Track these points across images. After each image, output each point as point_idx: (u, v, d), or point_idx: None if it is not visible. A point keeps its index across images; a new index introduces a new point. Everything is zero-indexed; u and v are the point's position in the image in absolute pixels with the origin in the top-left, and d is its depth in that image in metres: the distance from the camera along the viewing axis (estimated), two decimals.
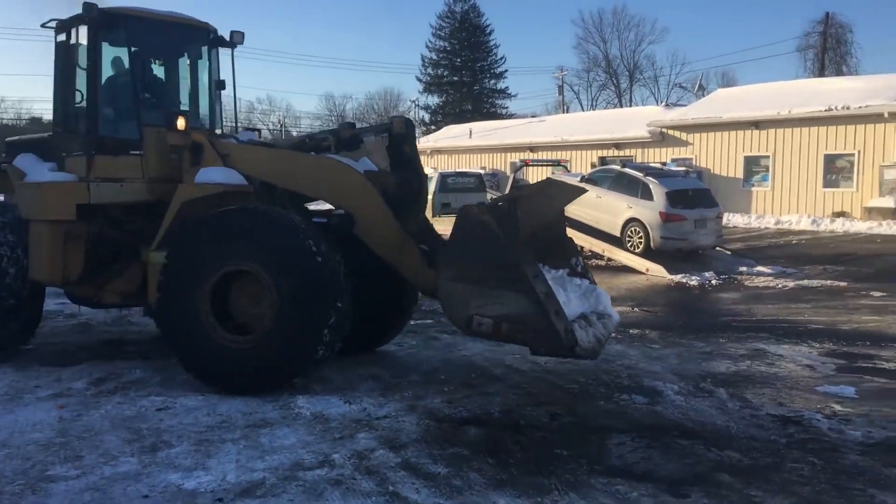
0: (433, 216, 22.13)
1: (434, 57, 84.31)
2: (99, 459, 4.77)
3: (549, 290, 5.46)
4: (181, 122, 6.86)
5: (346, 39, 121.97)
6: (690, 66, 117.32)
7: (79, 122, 7.47)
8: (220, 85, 8.35)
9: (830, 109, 24.85)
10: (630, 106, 68.76)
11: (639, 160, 28.19)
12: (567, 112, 67.02)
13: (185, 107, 8.02)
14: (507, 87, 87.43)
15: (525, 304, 5.40)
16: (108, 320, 9.67)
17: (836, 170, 25.21)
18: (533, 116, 63.94)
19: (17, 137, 8.61)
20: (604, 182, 16.22)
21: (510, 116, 79.06)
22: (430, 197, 23.10)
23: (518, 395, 6.35)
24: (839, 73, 43.16)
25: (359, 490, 4.33)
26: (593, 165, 27.46)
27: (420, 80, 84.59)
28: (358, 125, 8.06)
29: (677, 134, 29.60)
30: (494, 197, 6.03)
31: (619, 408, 6.02)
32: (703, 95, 35.45)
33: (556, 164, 24.86)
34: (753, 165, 27.19)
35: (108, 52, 7.58)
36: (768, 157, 26.78)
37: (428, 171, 39.46)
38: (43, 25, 7.60)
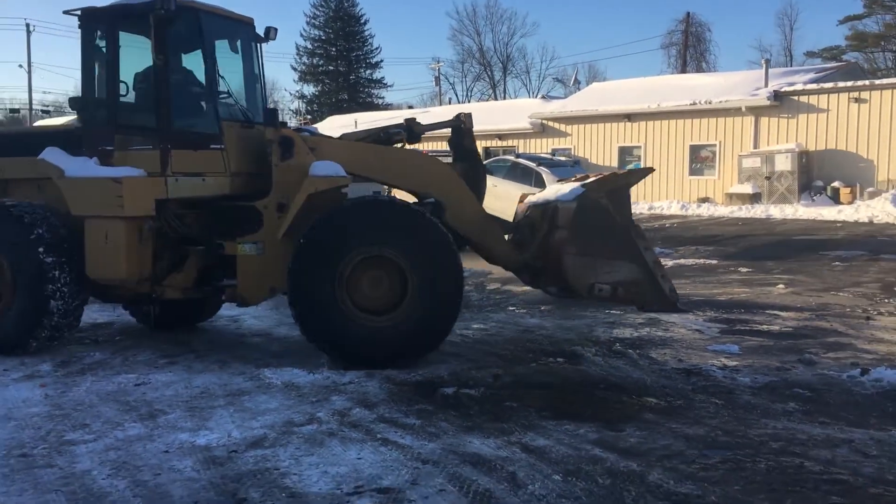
0: None
1: (309, 46, 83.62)
2: (105, 426, 5.24)
3: (656, 258, 7.03)
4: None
5: None
6: (560, 61, 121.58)
7: (132, 115, 7.45)
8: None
9: (695, 103, 26.97)
10: (504, 97, 70.78)
11: (521, 150, 29.56)
12: (441, 103, 68.18)
13: (243, 101, 8.01)
14: (383, 78, 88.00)
15: (637, 271, 6.85)
16: None
17: (700, 159, 27.40)
18: (410, 107, 64.84)
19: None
20: (499, 172, 17.27)
21: (387, 107, 79.63)
22: None
23: (459, 361, 7.14)
24: (699, 69, 46.42)
25: (352, 439, 5.02)
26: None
27: (295, 69, 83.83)
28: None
29: (557, 125, 31.22)
30: (588, 181, 7.09)
31: (549, 368, 6.93)
32: (579, 89, 37.29)
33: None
34: (627, 155, 29.10)
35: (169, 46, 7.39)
36: (640, 147, 28.76)
37: None
38: (67, 12, 7.41)
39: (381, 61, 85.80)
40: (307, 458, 4.66)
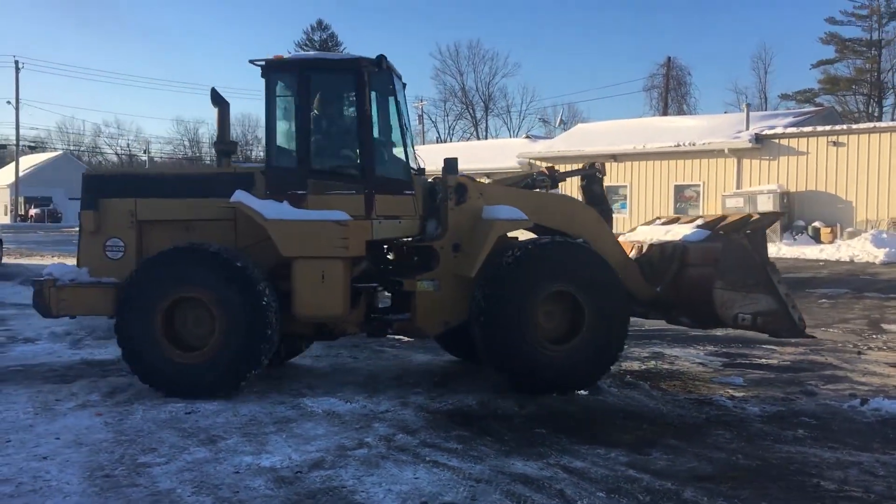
0: None
1: None
2: (172, 450, 5.61)
3: (787, 290, 7.73)
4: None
5: (198, 64, 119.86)
6: (540, 101, 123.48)
7: (328, 161, 7.83)
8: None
9: (679, 145, 27.84)
10: (486, 136, 71.83)
11: None
12: (424, 141, 69.07)
13: (400, 146, 8.31)
14: None
15: (773, 302, 7.63)
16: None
17: (684, 198, 28.21)
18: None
19: (113, 172, 8.66)
20: None
21: None
22: None
23: (483, 391, 7.56)
24: (681, 111, 47.69)
25: (404, 461, 5.43)
26: None
27: None
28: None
29: (545, 165, 31.95)
30: (719, 224, 8.10)
31: (569, 399, 7.36)
32: (564, 129, 38.20)
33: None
34: (613, 194, 29.77)
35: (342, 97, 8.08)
36: (626, 186, 29.53)
37: None
38: (253, 62, 7.74)
39: None
40: (368, 478, 5.06)
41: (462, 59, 78.08)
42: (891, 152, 23.93)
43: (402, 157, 8.02)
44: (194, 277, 7.20)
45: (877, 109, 57.45)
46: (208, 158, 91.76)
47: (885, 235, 22.15)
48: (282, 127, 7.96)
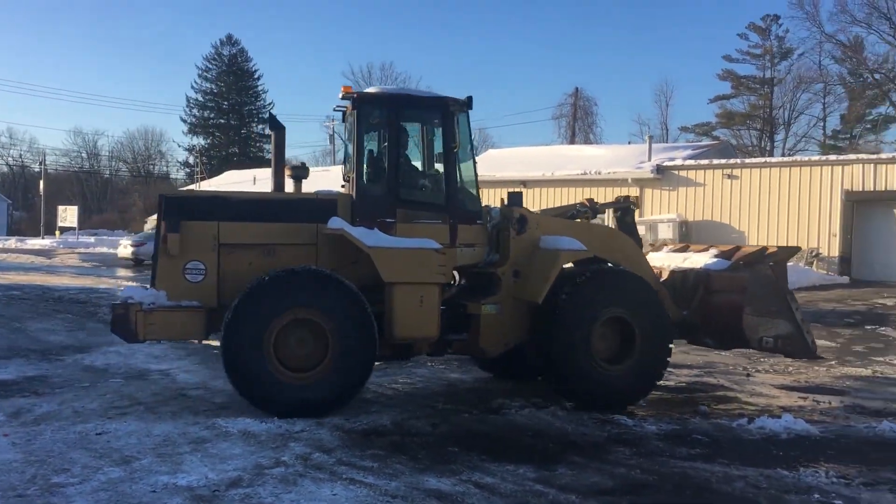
0: None
1: (200, 98, 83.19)
2: (85, 470, 5.59)
3: (802, 316, 8.70)
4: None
5: (102, 75, 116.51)
6: None
7: (416, 192, 8.30)
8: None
9: (585, 173, 28.78)
10: None
11: None
12: (335, 161, 68.82)
13: (472, 179, 8.72)
14: None
15: (791, 327, 8.57)
16: None
17: None
18: (303, 164, 64.81)
19: (197, 193, 8.47)
20: None
21: None
22: None
23: (397, 412, 7.75)
24: (587, 140, 49.19)
25: (321, 479, 5.57)
26: None
27: (185, 121, 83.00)
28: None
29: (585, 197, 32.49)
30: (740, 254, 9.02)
31: (479, 418, 7.65)
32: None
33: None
34: None
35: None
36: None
37: None
38: (345, 97, 8.23)
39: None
40: (287, 496, 5.19)
41: (374, 80, 78.38)
42: (780, 186, 25.42)
43: (474, 189, 8.52)
44: (311, 299, 7.40)
45: (769, 144, 60.63)
46: (107, 172, 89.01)
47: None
48: (370, 157, 8.35)
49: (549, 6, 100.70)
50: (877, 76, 50.31)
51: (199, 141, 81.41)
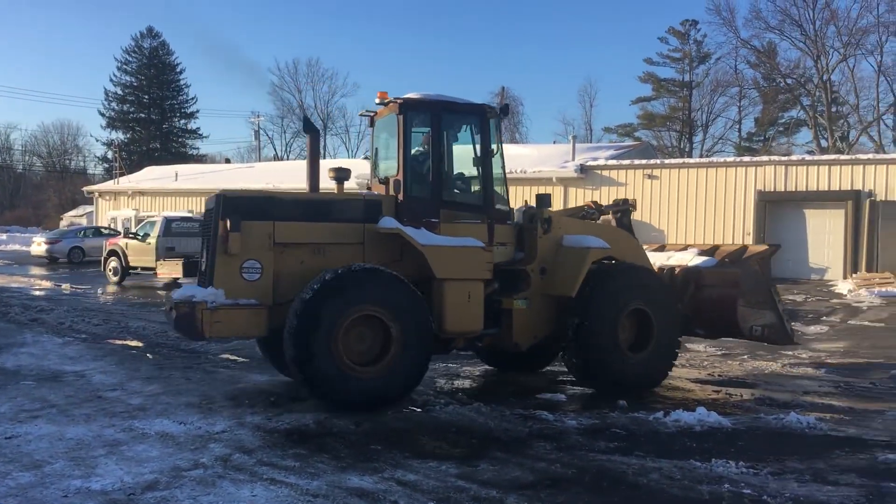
0: (156, 259, 22.26)
1: (119, 92, 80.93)
2: None
3: (784, 307, 9.58)
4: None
5: (16, 66, 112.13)
6: None
7: (456, 193, 8.83)
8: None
9: (511, 172, 28.99)
10: (325, 156, 71.55)
11: None
12: (260, 157, 67.97)
13: (503, 181, 9.18)
14: (198, 128, 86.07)
15: (775, 317, 9.39)
16: None
17: None
18: (227, 160, 64.07)
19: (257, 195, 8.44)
20: None
21: (202, 157, 78.07)
22: (153, 241, 23.19)
23: (319, 410, 7.70)
24: (513, 139, 49.75)
25: (241, 480, 5.50)
26: None
27: (103, 115, 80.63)
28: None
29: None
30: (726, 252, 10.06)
31: (404, 416, 7.67)
32: None
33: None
34: None
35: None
36: None
37: (128, 212, 38.16)
38: (383, 103, 8.70)
39: (197, 111, 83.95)
40: (205, 498, 5.11)
41: (301, 77, 77.68)
42: (697, 186, 26.20)
43: (504, 191, 9.01)
44: (379, 297, 7.66)
45: (687, 145, 62.43)
46: (21, 167, 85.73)
47: None
48: (413, 160, 8.64)
49: (474, 4, 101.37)
50: (789, 81, 52.25)
51: (118, 135, 79.16)
